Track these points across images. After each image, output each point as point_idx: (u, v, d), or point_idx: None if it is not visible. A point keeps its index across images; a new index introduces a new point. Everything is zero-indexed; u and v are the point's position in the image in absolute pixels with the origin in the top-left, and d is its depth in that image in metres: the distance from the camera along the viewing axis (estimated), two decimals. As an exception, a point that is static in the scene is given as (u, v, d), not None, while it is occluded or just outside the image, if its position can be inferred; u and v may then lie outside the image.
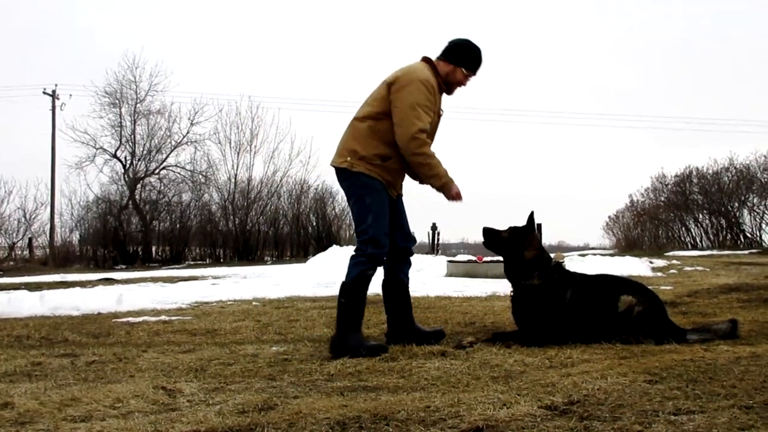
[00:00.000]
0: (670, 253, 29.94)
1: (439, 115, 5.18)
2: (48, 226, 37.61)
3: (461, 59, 5.15)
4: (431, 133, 5.09)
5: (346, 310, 4.83)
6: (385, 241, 4.99)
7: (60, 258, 33.83)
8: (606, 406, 2.95)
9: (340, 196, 38.60)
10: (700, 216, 43.81)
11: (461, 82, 5.18)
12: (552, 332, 4.84)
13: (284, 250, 38.80)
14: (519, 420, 2.77)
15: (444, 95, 5.25)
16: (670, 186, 45.38)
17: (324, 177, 38.59)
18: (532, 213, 5.11)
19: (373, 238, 4.92)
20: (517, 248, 5.10)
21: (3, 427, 2.99)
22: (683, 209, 44.08)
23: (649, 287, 5.41)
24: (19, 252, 36.53)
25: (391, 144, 4.96)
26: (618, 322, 4.84)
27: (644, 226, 48.33)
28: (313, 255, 24.03)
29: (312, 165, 39.65)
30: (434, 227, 35.39)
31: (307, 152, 43.63)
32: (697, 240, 43.37)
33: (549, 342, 4.77)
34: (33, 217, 36.52)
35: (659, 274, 14.46)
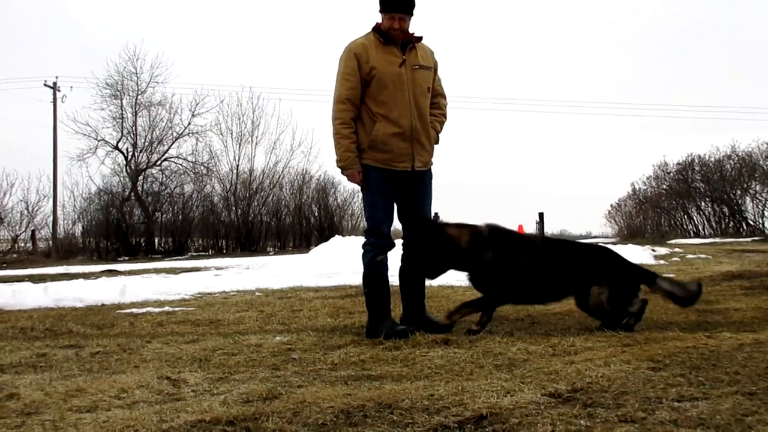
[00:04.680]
0: (673, 241, 29.96)
1: (405, 67, 5.14)
2: (50, 218, 37.57)
3: (380, 5, 5.16)
4: (395, 83, 5.10)
5: (369, 298, 5.15)
6: (386, 229, 5.17)
7: (63, 250, 33.84)
8: (609, 394, 2.96)
9: (342, 186, 38.66)
10: (703, 204, 43.82)
11: (391, 27, 5.11)
12: (508, 295, 5.10)
13: (286, 240, 38.78)
14: (523, 408, 2.78)
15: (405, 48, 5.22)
16: (672, 174, 45.37)
17: (326, 167, 38.59)
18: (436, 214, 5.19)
19: (373, 227, 5.18)
20: (449, 246, 5.06)
21: (9, 418, 3.00)
22: (685, 197, 44.07)
23: (613, 250, 5.40)
24: (22, 244, 36.52)
25: (368, 125, 5.15)
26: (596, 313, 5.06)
27: (646, 215, 48.33)
28: (316, 245, 24.00)
29: (314, 155, 39.70)
30: (436, 217, 35.37)
31: (309, 143, 43.66)
32: (700, 228, 43.39)
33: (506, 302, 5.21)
34: (36, 209, 36.45)
35: (662, 262, 14.45)
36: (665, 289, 5.05)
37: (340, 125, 5.12)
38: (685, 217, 44.86)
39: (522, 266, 4.96)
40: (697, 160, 43.49)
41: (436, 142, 5.40)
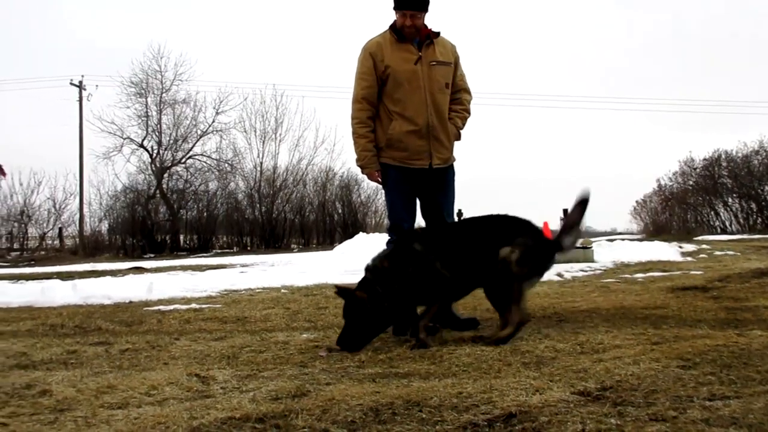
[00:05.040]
0: (700, 238, 29.63)
1: (421, 63, 5.15)
2: (77, 215, 38.09)
3: (393, 2, 5.19)
4: (410, 81, 5.12)
5: None
6: (407, 226, 5.22)
7: (89, 247, 34.20)
8: (639, 392, 2.94)
9: (365, 183, 38.64)
10: (730, 200, 43.29)
11: (404, 24, 5.13)
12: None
13: (310, 237, 38.89)
14: (552, 406, 2.77)
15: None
16: (698, 170, 44.85)
17: (349, 164, 38.61)
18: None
19: (393, 224, 5.27)
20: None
21: (42, 414, 3.04)
22: (712, 193, 43.56)
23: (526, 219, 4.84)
24: (50, 241, 37.05)
25: (385, 123, 5.19)
26: (500, 275, 4.51)
27: (672, 211, 47.81)
28: (340, 242, 24.03)
29: (337, 152, 39.58)
30: (460, 214, 35.34)
31: (332, 140, 43.62)
32: (727, 224, 42.87)
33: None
34: (62, 207, 37.07)
35: (689, 258, 14.31)
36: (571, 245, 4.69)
37: (357, 125, 5.19)
38: (712, 213, 44.34)
39: (410, 274, 4.55)
40: (723, 156, 42.99)
41: (458, 139, 5.40)
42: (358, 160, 5.26)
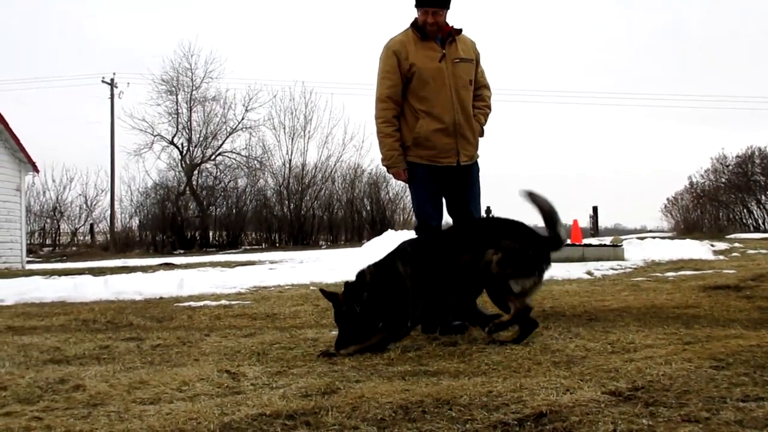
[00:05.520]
0: (732, 236, 29.23)
1: (445, 61, 5.13)
2: (108, 212, 38.61)
3: (416, 1, 5.16)
4: (436, 79, 5.11)
5: None
6: (434, 224, 5.20)
7: (120, 243, 34.61)
8: (672, 392, 2.91)
9: (394, 180, 38.52)
10: (763, 197, 42.68)
11: (426, 22, 5.11)
12: (398, 326, 4.44)
13: (339, 234, 38.99)
14: (583, 406, 2.75)
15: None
16: (731, 167, 44.27)
17: (377, 162, 38.49)
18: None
19: (422, 223, 5.23)
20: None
21: (76, 409, 3.08)
22: (745, 191, 42.97)
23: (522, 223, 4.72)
24: (81, 237, 37.57)
25: (411, 122, 5.17)
26: (484, 279, 4.44)
27: (704, 208, 47.21)
28: (368, 239, 24.06)
29: (365, 149, 39.61)
30: (488, 211, 35.20)
31: (361, 137, 43.54)
32: (760, 222, 42.28)
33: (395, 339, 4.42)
34: (94, 203, 37.66)
35: (721, 257, 14.14)
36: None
37: (382, 124, 5.18)
38: (745, 211, 43.73)
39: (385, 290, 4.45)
40: (757, 153, 42.40)
41: (481, 135, 5.41)
42: (384, 160, 5.27)
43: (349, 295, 4.44)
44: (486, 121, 5.44)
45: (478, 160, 5.42)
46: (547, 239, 4.57)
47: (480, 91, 5.43)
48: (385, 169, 5.46)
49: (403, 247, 4.65)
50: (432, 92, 5.11)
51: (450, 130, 5.13)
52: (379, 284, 4.45)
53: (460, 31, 5.25)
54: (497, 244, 4.43)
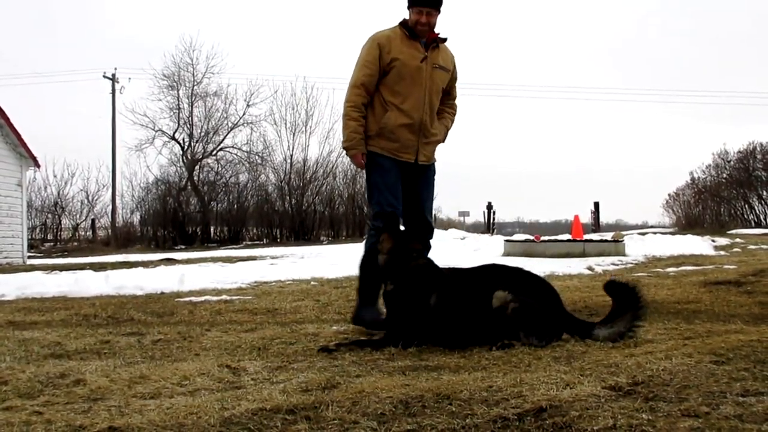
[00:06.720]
0: (733, 231, 29.29)
1: (426, 63, 5.20)
2: (110, 207, 38.62)
3: (409, 1, 5.23)
4: (414, 77, 5.18)
5: (362, 283, 5.26)
6: (392, 210, 5.12)
7: (122, 238, 34.62)
8: (672, 387, 2.91)
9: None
10: (764, 193, 42.71)
11: (418, 21, 5.17)
12: (406, 337, 4.31)
13: (339, 230, 39.00)
14: (583, 400, 2.75)
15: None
16: (732, 162, 44.28)
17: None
18: None
19: (381, 211, 5.12)
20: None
21: (77, 403, 3.08)
22: (746, 186, 43.00)
23: (541, 277, 4.66)
24: (83, 233, 37.61)
25: (379, 112, 5.23)
26: (493, 321, 4.18)
27: (705, 204, 47.22)
28: (369, 235, 24.06)
29: (367, 145, 39.52)
30: (490, 206, 35.23)
31: (362, 132, 43.56)
32: (761, 218, 42.30)
33: (400, 344, 4.27)
34: (95, 198, 37.67)
35: (722, 252, 14.15)
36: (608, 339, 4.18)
37: (350, 108, 5.23)
38: (746, 206, 43.76)
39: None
40: (758, 148, 42.40)
41: (442, 140, 5.52)
42: (345, 141, 5.29)
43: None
44: (451, 126, 5.61)
45: (435, 164, 5.51)
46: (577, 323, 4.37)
47: (452, 101, 5.62)
48: (344, 151, 5.50)
49: (443, 275, 4.54)
50: (407, 88, 5.19)
51: (415, 127, 5.22)
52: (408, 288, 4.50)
53: (444, 40, 5.35)
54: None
